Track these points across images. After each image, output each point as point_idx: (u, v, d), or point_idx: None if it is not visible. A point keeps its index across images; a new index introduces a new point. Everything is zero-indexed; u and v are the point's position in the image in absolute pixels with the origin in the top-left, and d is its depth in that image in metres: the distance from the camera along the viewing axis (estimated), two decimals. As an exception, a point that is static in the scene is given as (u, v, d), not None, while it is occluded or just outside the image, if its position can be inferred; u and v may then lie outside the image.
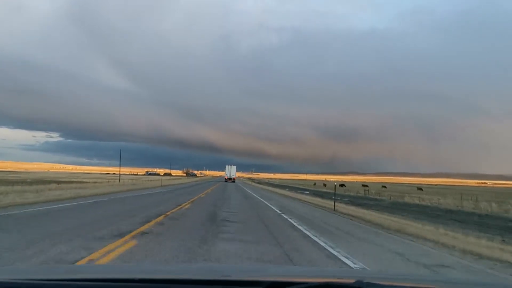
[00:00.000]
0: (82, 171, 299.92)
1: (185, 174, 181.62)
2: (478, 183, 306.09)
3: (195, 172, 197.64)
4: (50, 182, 41.56)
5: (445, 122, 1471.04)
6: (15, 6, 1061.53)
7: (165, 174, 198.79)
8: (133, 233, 8.58)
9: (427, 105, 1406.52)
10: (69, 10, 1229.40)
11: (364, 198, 44.38)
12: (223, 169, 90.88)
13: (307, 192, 48.26)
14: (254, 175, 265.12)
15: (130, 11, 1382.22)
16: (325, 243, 8.67)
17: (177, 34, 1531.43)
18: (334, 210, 19.14)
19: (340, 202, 25.32)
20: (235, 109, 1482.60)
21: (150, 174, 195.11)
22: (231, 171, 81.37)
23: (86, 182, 42.11)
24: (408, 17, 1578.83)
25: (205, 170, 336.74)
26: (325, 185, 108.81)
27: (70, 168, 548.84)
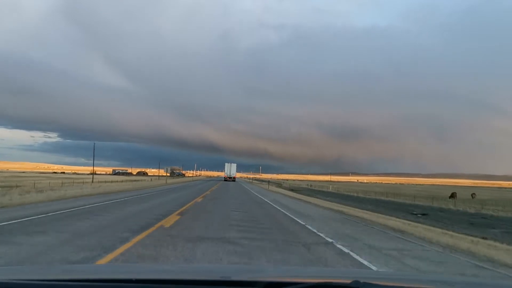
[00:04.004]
0: (67, 171, 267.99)
1: (168, 174, 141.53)
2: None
3: (183, 172, 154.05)
4: None
5: (449, 121, 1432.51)
6: (10, 3, 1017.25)
7: (138, 173, 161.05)
8: None
9: (431, 104, 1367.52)
10: (65, 7, 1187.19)
11: None
12: (222, 169, 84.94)
13: None
14: (257, 175, 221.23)
15: (128, 9, 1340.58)
16: None
17: (175, 32, 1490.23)
18: None
19: None
20: (235, 108, 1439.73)
21: (117, 173, 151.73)
22: (230, 169, 74.28)
23: None
24: (411, 14, 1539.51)
25: (202, 170, 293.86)
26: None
27: (55, 167, 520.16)
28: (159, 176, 68.21)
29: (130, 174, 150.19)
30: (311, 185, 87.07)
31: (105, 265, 4.79)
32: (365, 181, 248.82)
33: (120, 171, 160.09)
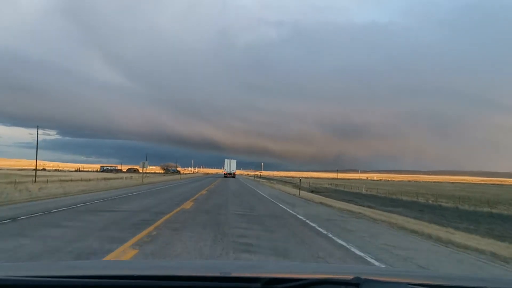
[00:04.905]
0: (63, 168, 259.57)
1: (163, 171, 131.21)
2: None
3: (180, 169, 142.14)
4: None
5: (450, 117, 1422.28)
6: (9, 0, 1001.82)
7: (128, 170, 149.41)
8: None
9: (432, 101, 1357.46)
10: (64, 4, 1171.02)
11: None
12: (222, 166, 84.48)
13: None
14: (258, 173, 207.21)
15: (127, 6, 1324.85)
16: None
17: (174, 29, 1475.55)
18: None
19: None
20: (235, 105, 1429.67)
21: (105, 170, 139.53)
22: (230, 166, 74.38)
23: None
24: (411, 10, 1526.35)
25: (200, 167, 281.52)
26: None
27: (51, 165, 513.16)
28: (146, 173, 56.94)
29: (120, 171, 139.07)
30: (336, 185, 73.97)
31: (106, 261, 4.70)
32: (375, 178, 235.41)
33: (109, 167, 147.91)
